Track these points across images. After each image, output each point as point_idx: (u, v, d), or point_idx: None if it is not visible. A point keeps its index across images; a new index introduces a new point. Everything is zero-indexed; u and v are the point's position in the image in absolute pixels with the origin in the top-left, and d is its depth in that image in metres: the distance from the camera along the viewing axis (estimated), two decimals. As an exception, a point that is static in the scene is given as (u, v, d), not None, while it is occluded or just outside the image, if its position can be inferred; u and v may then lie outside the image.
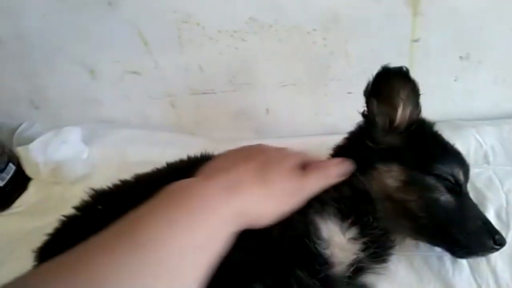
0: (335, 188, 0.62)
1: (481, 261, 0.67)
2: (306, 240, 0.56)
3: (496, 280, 0.65)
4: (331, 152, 0.74)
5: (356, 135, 0.72)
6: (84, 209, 0.69)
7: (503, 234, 0.64)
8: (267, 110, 1.06)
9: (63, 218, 0.70)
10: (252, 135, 1.09)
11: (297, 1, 0.86)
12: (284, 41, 0.91)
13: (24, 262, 0.69)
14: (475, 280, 0.65)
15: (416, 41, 0.89)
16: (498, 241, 0.62)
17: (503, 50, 0.89)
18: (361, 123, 0.72)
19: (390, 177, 0.64)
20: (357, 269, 0.60)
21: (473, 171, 0.72)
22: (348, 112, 0.72)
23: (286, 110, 1.05)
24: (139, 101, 1.09)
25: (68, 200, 0.86)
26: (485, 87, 0.96)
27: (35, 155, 1.00)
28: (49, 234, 0.69)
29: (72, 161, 1.02)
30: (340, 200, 0.61)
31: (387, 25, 0.87)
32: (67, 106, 1.12)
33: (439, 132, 0.70)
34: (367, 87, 0.66)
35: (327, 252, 0.57)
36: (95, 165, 1.03)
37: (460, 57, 0.91)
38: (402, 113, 0.67)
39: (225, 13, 0.89)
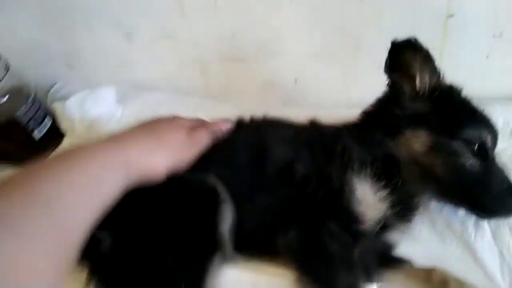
0: (369, 153, 0.65)
1: (503, 228, 0.69)
2: (341, 197, 0.60)
3: (518, 245, 0.66)
4: (359, 117, 0.76)
5: (383, 102, 0.74)
6: None
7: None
8: (296, 80, 1.07)
9: None
10: (280, 105, 1.11)
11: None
12: (319, 10, 0.93)
13: None
14: (496, 244, 0.67)
15: (450, 16, 0.90)
16: None
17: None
18: (387, 91, 0.74)
19: (417, 142, 0.67)
20: (384, 226, 0.63)
21: (499, 147, 0.73)
22: (377, 86, 0.75)
23: (315, 81, 1.07)
24: (171, 65, 1.12)
25: None
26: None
27: (71, 112, 1.04)
28: None
29: (106, 119, 1.06)
30: (373, 164, 0.64)
31: (424, -1, 0.88)
32: (101, 67, 1.16)
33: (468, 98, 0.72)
34: (385, 64, 0.71)
35: (359, 210, 0.60)
36: (128, 124, 1.06)
37: (493, 35, 0.91)
38: (420, 81, 0.69)
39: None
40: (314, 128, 0.73)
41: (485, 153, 0.66)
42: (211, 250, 0.58)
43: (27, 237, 0.38)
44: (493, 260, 0.65)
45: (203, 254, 0.57)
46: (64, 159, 0.47)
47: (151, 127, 0.58)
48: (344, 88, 1.06)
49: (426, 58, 0.69)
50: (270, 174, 0.62)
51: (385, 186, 0.63)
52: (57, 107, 1.06)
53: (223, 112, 0.86)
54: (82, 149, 0.48)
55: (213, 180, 0.60)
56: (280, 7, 0.94)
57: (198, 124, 0.65)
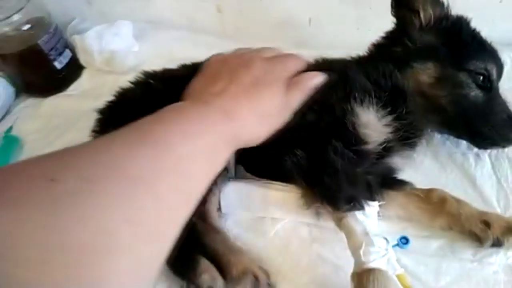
0: (376, 83, 0.67)
1: (502, 160, 0.72)
2: (344, 123, 0.64)
3: (515, 175, 0.70)
4: (369, 49, 0.78)
5: (393, 35, 0.76)
6: (138, 83, 0.77)
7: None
8: (310, 19, 1.08)
9: (120, 89, 0.78)
10: (294, 46, 1.12)
11: None
12: None
13: (81, 135, 0.79)
14: (495, 173, 0.71)
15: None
16: None
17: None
18: (396, 26, 0.76)
19: (425, 74, 0.70)
20: (386, 148, 0.66)
21: (505, 86, 0.76)
22: (389, 28, 0.77)
23: (329, 21, 1.07)
24: (187, 3, 1.14)
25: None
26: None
27: (90, 44, 1.07)
28: (109, 101, 0.78)
29: (124, 52, 1.09)
30: (380, 93, 0.67)
31: None
32: (118, 3, 1.17)
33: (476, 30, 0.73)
34: (391, 2, 0.74)
35: (364, 131, 0.64)
36: (145, 58, 1.09)
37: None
38: (424, 13, 0.71)
39: None
40: (323, 64, 0.75)
41: (490, 85, 0.69)
42: None
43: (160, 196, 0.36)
44: (491, 187, 0.70)
45: None
46: (184, 122, 0.44)
47: (250, 89, 0.51)
48: (357, 30, 1.07)
49: None
50: None
51: (390, 113, 0.66)
52: (76, 39, 1.09)
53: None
54: (198, 115, 0.45)
55: None
56: None
57: (293, 74, 0.57)
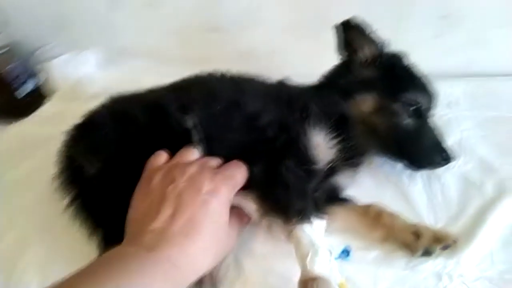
0: (326, 110, 0.76)
1: (434, 178, 0.82)
2: (298, 143, 0.71)
3: (443, 192, 0.79)
4: (319, 80, 0.88)
5: (339, 69, 0.87)
6: (107, 106, 0.82)
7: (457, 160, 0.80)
8: (273, 51, 1.17)
9: (89, 112, 0.82)
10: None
11: None
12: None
13: (44, 161, 0.82)
14: (425, 190, 0.80)
15: (405, -2, 1.01)
16: (445, 157, 0.78)
17: (481, 12, 1.02)
18: (341, 61, 0.87)
19: (365, 104, 0.80)
20: (332, 168, 0.75)
21: (438, 113, 0.86)
22: None
23: (290, 52, 1.16)
24: (153, 34, 1.20)
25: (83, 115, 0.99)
26: (460, 47, 1.08)
27: (57, 71, 1.12)
28: (77, 124, 0.81)
29: (89, 80, 1.13)
30: (328, 119, 0.75)
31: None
32: (85, 32, 1.22)
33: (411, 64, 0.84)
34: (335, 44, 0.85)
35: (313, 152, 0.72)
36: (110, 86, 1.14)
37: (442, 16, 1.03)
38: (363, 52, 0.83)
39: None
40: (281, 87, 0.85)
41: (420, 114, 0.79)
42: None
43: None
44: (422, 203, 0.78)
45: None
46: (111, 270, 0.45)
47: (202, 221, 0.52)
48: (317, 59, 1.14)
49: (361, 32, 0.82)
50: (240, 121, 0.72)
51: (336, 137, 0.74)
52: (42, 67, 1.13)
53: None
54: (142, 268, 0.46)
55: (191, 121, 0.69)
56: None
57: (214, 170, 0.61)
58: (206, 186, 0.55)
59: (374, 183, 0.82)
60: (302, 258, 0.61)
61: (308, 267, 0.60)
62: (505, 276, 0.65)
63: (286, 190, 0.66)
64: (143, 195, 0.57)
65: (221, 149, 0.69)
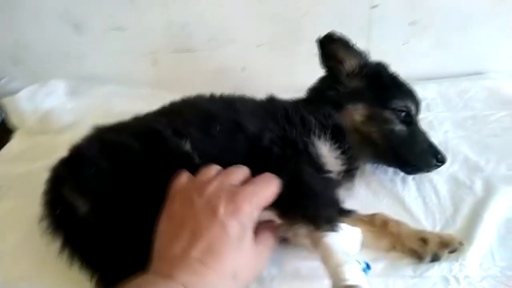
0: (322, 122, 0.76)
1: (425, 181, 0.83)
2: (308, 152, 0.71)
3: (436, 194, 0.81)
4: (307, 93, 0.88)
5: (326, 81, 0.87)
6: (93, 137, 0.76)
7: (445, 161, 0.81)
8: (243, 68, 1.16)
9: (74, 145, 0.77)
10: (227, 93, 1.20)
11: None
12: (263, 2, 1.02)
13: (18, 200, 0.78)
14: (420, 194, 0.81)
15: (374, 7, 1.04)
16: (439, 159, 0.80)
17: (445, 17, 1.06)
18: (326, 73, 0.87)
19: (357, 114, 0.81)
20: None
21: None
22: (316, 72, 0.88)
23: (261, 69, 1.16)
24: (122, 57, 1.16)
25: (56, 148, 0.92)
26: (429, 51, 1.13)
27: (22, 105, 1.05)
28: (63, 158, 0.75)
29: (57, 111, 1.07)
30: (327, 130, 0.75)
31: (351, -10, 1.01)
32: (50, 61, 1.16)
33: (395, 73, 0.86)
34: (319, 57, 0.85)
35: (325, 161, 0.73)
36: (81, 116, 1.08)
37: (409, 23, 1.07)
38: (348, 63, 0.84)
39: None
40: (273, 103, 0.84)
41: (410, 119, 0.82)
42: None
43: None
44: (418, 207, 0.79)
45: None
46: None
47: (221, 246, 0.49)
48: (287, 74, 1.17)
49: (344, 45, 0.83)
50: (244, 144, 0.70)
51: (338, 148, 0.75)
52: (6, 101, 1.06)
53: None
54: (144, 286, 0.47)
55: (188, 146, 0.67)
56: (227, -1, 1.02)
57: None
58: (225, 206, 0.52)
59: (370, 193, 0.83)
60: (335, 267, 0.58)
61: (345, 276, 0.56)
62: (507, 272, 0.67)
63: (315, 196, 0.64)
64: (166, 219, 0.55)
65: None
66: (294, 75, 1.17)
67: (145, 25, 1.09)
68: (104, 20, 1.08)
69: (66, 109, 1.09)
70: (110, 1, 1.04)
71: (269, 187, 0.58)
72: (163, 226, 0.54)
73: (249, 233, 0.53)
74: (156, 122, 0.73)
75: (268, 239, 0.58)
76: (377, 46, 1.03)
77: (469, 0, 1.04)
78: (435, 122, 0.98)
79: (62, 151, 0.76)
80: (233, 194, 0.54)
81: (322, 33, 1.05)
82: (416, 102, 0.84)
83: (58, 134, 1.04)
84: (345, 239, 0.63)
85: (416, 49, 1.12)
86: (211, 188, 0.55)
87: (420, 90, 1.02)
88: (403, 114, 0.81)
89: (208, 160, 0.65)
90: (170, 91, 1.17)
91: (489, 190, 0.79)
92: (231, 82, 1.19)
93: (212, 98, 0.84)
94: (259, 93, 1.14)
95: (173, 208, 0.55)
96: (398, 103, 0.81)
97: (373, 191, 0.83)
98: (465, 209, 0.77)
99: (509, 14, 1.06)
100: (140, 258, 0.54)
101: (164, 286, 0.46)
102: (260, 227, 0.56)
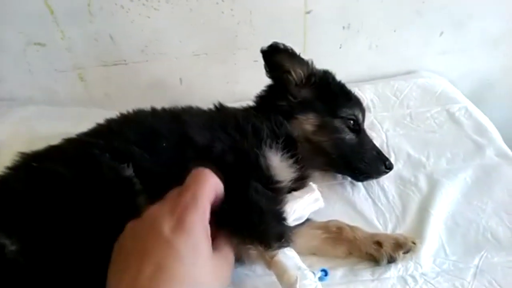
0: (274, 131, 0.74)
1: (373, 182, 0.84)
2: (258, 166, 0.68)
3: (385, 194, 0.82)
4: (256, 101, 0.86)
5: (274, 90, 0.85)
6: (18, 167, 0.67)
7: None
8: (181, 80, 1.11)
9: None
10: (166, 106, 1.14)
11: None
12: (195, 11, 0.98)
13: None
14: (369, 196, 0.82)
15: (308, 12, 1.04)
16: (388, 166, 0.81)
17: (375, 19, 1.09)
18: (274, 82, 0.85)
19: (308, 123, 0.80)
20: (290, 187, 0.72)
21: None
22: (255, 79, 0.85)
23: (199, 79, 1.12)
24: (44, 75, 1.06)
25: None
26: (363, 53, 1.15)
27: None
28: None
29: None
30: (279, 140, 0.73)
31: (285, -3, 1.01)
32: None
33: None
34: (264, 68, 0.83)
35: (276, 172, 0.70)
36: (1, 142, 0.97)
37: (343, 27, 1.09)
38: (296, 73, 0.82)
39: (135, -19, 0.93)
40: (223, 112, 0.81)
41: (358, 127, 0.82)
42: None
43: None
44: (369, 209, 0.79)
45: None
46: None
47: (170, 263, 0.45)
48: (226, 84, 1.14)
49: (289, 55, 0.82)
50: (193, 156, 0.66)
51: (290, 157, 0.73)
52: None
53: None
54: None
55: (130, 171, 0.61)
56: (158, 9, 0.97)
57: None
58: (168, 222, 0.47)
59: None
60: (290, 284, 0.56)
61: None
62: (459, 265, 0.68)
63: (261, 214, 0.61)
64: (115, 253, 0.49)
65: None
66: (235, 83, 1.14)
67: (68, 38, 1.00)
68: (22, 36, 0.97)
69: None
70: (27, 15, 0.94)
71: (205, 182, 0.53)
72: (112, 262, 0.48)
73: (203, 244, 0.48)
74: (91, 144, 0.65)
75: (228, 250, 0.53)
76: (314, 50, 1.03)
77: (396, 3, 1.08)
78: (375, 122, 1.00)
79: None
80: (174, 205, 0.49)
81: (259, 40, 1.04)
82: (363, 110, 0.85)
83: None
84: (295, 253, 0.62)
85: (351, 52, 1.14)
86: (151, 211, 0.50)
87: (358, 92, 1.05)
88: (351, 122, 0.81)
89: (156, 180, 0.60)
90: (103, 107, 1.10)
91: (433, 186, 0.82)
92: (168, 94, 1.13)
93: (154, 112, 0.78)
94: (199, 105, 1.11)
95: (122, 242, 0.49)
96: (347, 112, 0.81)
97: (324, 197, 0.81)
98: (413, 206, 0.79)
99: (435, 15, 1.11)
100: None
101: None
102: (218, 238, 0.52)
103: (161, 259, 0.44)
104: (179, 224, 0.47)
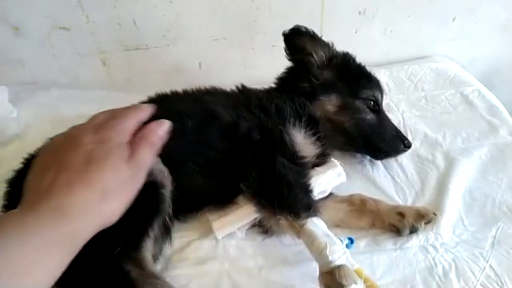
0: (297, 111, 0.78)
1: (391, 160, 0.87)
2: (283, 142, 0.72)
3: (403, 171, 0.85)
4: (277, 83, 0.89)
5: (296, 72, 0.87)
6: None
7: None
8: (200, 64, 1.14)
9: (29, 155, 0.71)
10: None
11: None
12: (216, -5, 1.01)
13: None
14: (388, 173, 0.85)
15: (325, -3, 1.07)
16: (407, 144, 0.85)
17: (390, 5, 1.12)
18: (295, 65, 0.87)
19: (330, 104, 0.83)
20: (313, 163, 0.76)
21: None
22: (272, 65, 0.88)
23: (218, 63, 1.15)
24: (68, 59, 1.08)
25: (3, 161, 0.85)
26: (378, 39, 1.18)
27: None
28: (17, 170, 0.69)
29: (2, 120, 0.97)
30: (302, 119, 0.77)
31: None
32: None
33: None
34: (285, 51, 0.86)
35: (300, 148, 0.74)
36: (28, 124, 1.00)
37: (359, 12, 1.11)
38: (318, 55, 0.85)
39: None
40: (246, 92, 0.84)
41: (378, 108, 0.85)
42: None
43: None
44: (389, 185, 0.83)
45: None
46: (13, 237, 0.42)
47: (86, 172, 0.46)
48: (244, 69, 1.17)
49: (311, 37, 0.84)
50: (219, 134, 0.70)
51: (313, 135, 0.77)
52: None
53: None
54: (25, 226, 0.43)
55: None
56: (179, -6, 0.99)
57: (134, 129, 0.52)
58: (90, 137, 0.48)
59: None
60: (320, 250, 0.60)
61: (330, 258, 0.59)
62: (477, 235, 0.72)
63: (290, 186, 0.65)
64: (35, 166, 0.50)
65: (204, 170, 0.66)
66: (252, 68, 1.17)
67: (92, 22, 1.02)
68: (47, 20, 1.00)
69: (10, 118, 0.99)
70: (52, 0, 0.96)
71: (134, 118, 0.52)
72: (29, 177, 0.49)
73: (119, 152, 0.48)
74: None
75: (145, 156, 0.51)
76: (330, 35, 1.05)
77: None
78: (391, 104, 1.03)
79: (9, 165, 0.70)
80: (97, 127, 0.49)
81: (276, 25, 1.07)
82: (381, 91, 0.88)
83: (4, 146, 0.95)
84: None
85: (367, 37, 1.16)
86: (75, 128, 0.50)
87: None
88: (372, 103, 0.84)
89: (182, 159, 0.64)
90: (124, 91, 1.13)
91: (450, 163, 0.85)
92: (188, 78, 1.15)
93: (177, 94, 0.82)
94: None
95: (36, 162, 0.50)
96: (368, 93, 0.84)
97: (345, 174, 0.85)
98: (431, 182, 0.82)
99: (447, 1, 1.14)
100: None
101: (30, 216, 0.43)
102: (137, 141, 0.50)
103: (78, 166, 0.46)
104: (101, 138, 0.48)
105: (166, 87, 1.14)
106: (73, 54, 1.07)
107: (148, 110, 0.51)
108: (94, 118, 0.50)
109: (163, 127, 0.52)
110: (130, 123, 0.49)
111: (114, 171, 0.47)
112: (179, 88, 1.14)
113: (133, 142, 0.49)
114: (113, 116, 0.50)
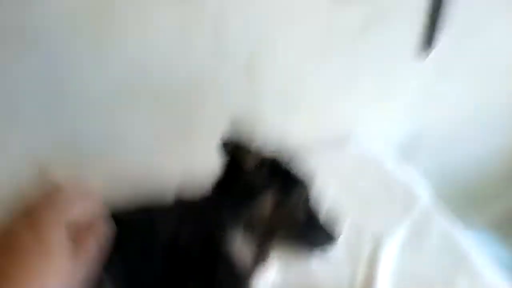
0: (239, 217, 0.82)
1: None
2: (227, 255, 0.76)
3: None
4: (213, 188, 0.90)
5: (229, 176, 0.92)
6: None
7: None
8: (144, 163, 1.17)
9: None
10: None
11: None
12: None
13: None
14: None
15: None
16: (336, 235, 0.91)
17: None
18: (227, 167, 0.93)
19: (265, 206, 0.87)
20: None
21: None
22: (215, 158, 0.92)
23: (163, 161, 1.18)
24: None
25: None
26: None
27: None
28: None
29: None
30: (245, 225, 0.82)
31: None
32: None
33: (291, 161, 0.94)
34: (220, 154, 0.90)
35: (238, 256, 0.78)
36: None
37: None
38: (249, 159, 0.88)
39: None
40: (183, 203, 0.85)
41: (308, 206, 0.92)
42: None
43: None
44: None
45: None
46: None
47: (29, 251, 0.44)
48: (190, 163, 1.18)
49: (242, 145, 0.90)
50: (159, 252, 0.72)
51: (251, 239, 0.81)
52: None
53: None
54: None
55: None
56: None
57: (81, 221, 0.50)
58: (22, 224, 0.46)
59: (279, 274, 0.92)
60: None
61: None
62: None
63: None
64: None
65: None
66: (195, 162, 1.19)
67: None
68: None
69: None
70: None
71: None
72: None
73: (58, 242, 0.46)
74: None
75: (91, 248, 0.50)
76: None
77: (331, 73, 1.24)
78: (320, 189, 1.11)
79: None
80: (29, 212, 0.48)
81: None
82: (309, 191, 0.93)
83: None
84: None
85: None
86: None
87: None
88: (303, 200, 0.90)
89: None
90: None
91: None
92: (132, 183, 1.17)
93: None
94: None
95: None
96: (297, 192, 0.89)
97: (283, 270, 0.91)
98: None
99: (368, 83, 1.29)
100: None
101: None
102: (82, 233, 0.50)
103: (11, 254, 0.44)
104: (33, 223, 0.46)
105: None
106: None
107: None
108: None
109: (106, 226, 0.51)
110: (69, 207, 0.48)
111: (56, 256, 0.45)
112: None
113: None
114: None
